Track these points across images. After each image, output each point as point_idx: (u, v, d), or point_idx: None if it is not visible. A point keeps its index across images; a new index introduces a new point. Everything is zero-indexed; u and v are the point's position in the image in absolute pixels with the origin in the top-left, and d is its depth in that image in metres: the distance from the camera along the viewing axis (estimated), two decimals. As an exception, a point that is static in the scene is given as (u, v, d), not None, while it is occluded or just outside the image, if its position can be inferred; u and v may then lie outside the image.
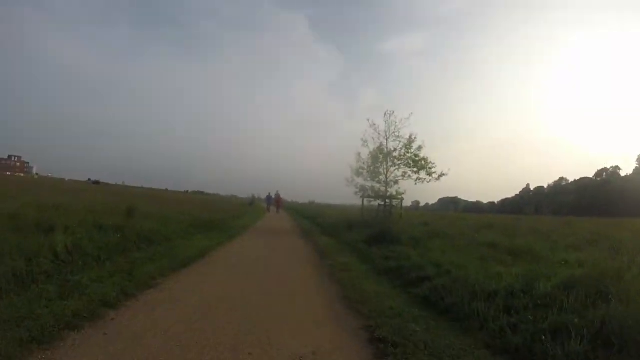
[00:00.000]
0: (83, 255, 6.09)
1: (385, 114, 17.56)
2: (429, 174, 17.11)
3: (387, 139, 17.48)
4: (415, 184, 17.18)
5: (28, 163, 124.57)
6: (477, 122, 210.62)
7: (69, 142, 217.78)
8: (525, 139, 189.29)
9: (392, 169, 17.42)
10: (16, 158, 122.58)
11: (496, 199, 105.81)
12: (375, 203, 18.23)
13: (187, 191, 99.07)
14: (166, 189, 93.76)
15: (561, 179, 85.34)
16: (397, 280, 6.68)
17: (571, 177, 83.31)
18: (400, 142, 17.33)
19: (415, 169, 17.12)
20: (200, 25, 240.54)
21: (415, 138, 17.20)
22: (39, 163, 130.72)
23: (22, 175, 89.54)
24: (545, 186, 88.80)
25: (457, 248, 8.75)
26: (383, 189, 17.56)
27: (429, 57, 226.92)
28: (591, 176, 77.17)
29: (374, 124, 17.80)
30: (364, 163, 18.12)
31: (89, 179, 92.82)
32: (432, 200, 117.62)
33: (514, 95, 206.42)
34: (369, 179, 18.08)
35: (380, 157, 17.60)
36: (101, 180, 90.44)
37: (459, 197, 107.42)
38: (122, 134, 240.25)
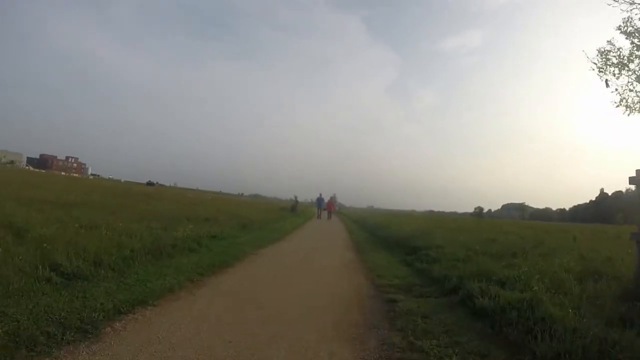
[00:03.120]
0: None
1: None
2: None
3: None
4: None
5: (85, 164, 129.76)
6: (541, 123, 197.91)
7: (125, 145, 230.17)
8: (596, 142, 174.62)
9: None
10: (73, 159, 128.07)
11: (566, 205, 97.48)
12: None
13: (242, 194, 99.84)
14: (220, 192, 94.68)
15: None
16: None
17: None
18: None
19: None
20: (255, 31, 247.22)
21: None
22: (97, 165, 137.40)
23: (76, 175, 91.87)
24: (624, 190, 79.27)
25: None
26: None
27: (487, 54, 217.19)
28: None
29: None
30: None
31: (149, 181, 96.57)
32: (495, 206, 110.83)
33: (583, 93, 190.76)
34: None
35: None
36: (155, 182, 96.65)
37: (526, 203, 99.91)
38: (176, 137, 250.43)
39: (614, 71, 7.99)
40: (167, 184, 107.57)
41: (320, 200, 32.70)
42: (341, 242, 14.50)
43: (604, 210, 72.72)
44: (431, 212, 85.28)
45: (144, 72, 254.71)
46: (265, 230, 15.25)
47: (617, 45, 7.85)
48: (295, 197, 34.67)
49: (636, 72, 7.91)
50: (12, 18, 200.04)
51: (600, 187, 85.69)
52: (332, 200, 34.69)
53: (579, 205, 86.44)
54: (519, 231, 15.99)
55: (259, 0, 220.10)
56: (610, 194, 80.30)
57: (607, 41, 7.92)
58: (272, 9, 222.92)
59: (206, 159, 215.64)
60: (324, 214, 32.35)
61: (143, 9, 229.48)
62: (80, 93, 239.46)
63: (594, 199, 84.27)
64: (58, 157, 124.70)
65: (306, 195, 55.77)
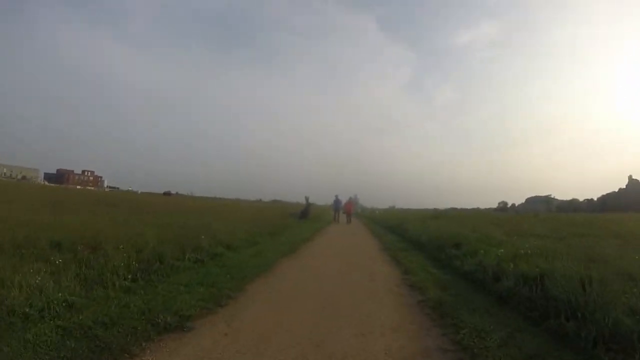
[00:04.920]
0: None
1: None
2: None
3: None
4: None
5: (101, 177, 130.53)
6: (563, 114, 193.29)
7: (137, 156, 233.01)
8: (619, 130, 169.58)
9: None
10: (89, 172, 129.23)
11: (594, 195, 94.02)
12: None
13: (260, 200, 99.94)
14: (237, 199, 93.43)
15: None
16: None
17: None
18: None
19: None
20: (272, 38, 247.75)
21: None
22: (113, 177, 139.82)
23: (92, 188, 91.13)
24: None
25: None
26: None
27: (506, 47, 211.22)
28: None
29: None
30: None
31: (167, 191, 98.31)
32: (519, 200, 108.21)
33: (601, 84, 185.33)
34: None
35: None
36: (175, 192, 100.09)
37: (552, 195, 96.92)
38: (196, 147, 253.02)
39: None
40: (186, 193, 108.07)
41: (337, 202, 29.15)
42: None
43: (636, 197, 69.77)
44: (453, 209, 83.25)
45: (161, 84, 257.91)
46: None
47: None
48: (307, 199, 28.51)
49: None
50: (26, 32, 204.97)
51: (628, 175, 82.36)
52: (351, 201, 30.28)
53: (607, 194, 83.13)
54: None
55: (274, 8, 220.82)
56: (641, 181, 76.97)
57: None
58: (288, 15, 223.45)
59: (226, 167, 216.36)
60: (343, 217, 29.14)
61: (159, 23, 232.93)
62: (98, 107, 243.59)
63: (623, 187, 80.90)
64: (75, 172, 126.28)
65: (326, 199, 52.93)
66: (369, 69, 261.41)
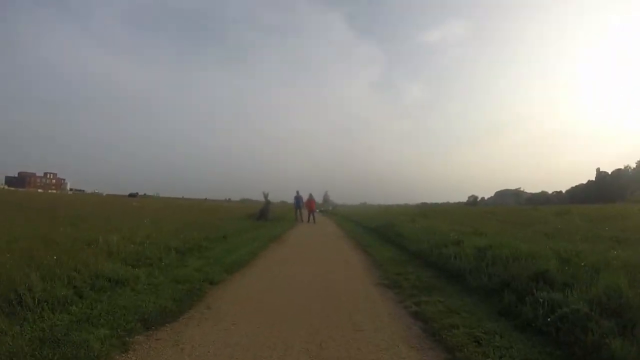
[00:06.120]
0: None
1: None
2: None
3: None
4: None
5: (64, 179, 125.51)
6: (531, 109, 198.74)
7: (103, 157, 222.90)
8: (587, 123, 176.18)
9: None
10: (51, 175, 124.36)
11: (562, 188, 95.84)
12: None
13: (229, 199, 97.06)
14: (205, 199, 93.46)
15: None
16: None
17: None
18: None
19: None
20: (242, 36, 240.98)
21: None
22: (78, 179, 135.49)
23: (55, 191, 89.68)
24: (633, 166, 76.93)
25: None
26: None
27: (473, 45, 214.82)
28: None
29: None
30: None
31: (132, 193, 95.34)
32: (488, 193, 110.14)
33: (567, 80, 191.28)
34: None
35: None
36: (139, 193, 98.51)
37: (521, 188, 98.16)
38: (155, 146, 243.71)
39: None
40: (153, 194, 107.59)
41: (298, 199, 25.80)
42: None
43: (604, 189, 70.94)
44: (424, 204, 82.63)
45: (128, 83, 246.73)
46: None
47: None
48: (266, 197, 24.01)
49: None
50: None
51: (596, 167, 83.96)
52: (313, 198, 26.39)
53: (576, 186, 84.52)
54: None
55: (243, 5, 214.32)
56: (610, 173, 78.46)
57: None
58: (257, 13, 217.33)
59: (195, 167, 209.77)
60: (310, 217, 25.34)
61: (126, 20, 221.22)
62: (63, 107, 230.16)
63: (591, 179, 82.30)
64: (37, 174, 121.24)
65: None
66: (338, 67, 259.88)
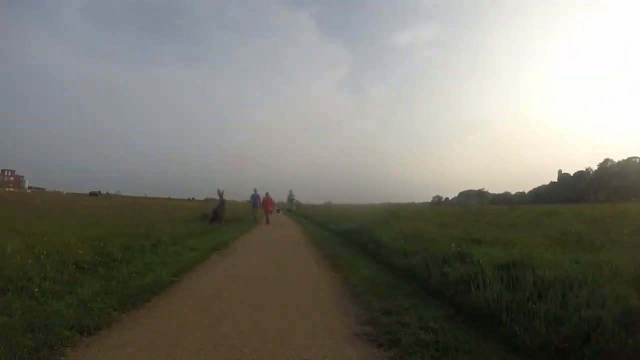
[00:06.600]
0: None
1: None
2: None
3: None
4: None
5: (22, 177, 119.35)
6: (494, 111, 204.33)
7: (66, 154, 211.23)
8: (549, 125, 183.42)
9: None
10: (9, 172, 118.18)
11: (525, 188, 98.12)
12: None
13: (192, 198, 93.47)
14: (169, 197, 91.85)
15: (606, 160, 75.39)
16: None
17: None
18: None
19: None
20: (206, 32, 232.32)
21: None
22: (39, 177, 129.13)
23: (13, 189, 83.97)
24: (593, 169, 79.11)
25: None
26: None
27: (440, 48, 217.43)
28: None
29: None
30: None
31: (93, 191, 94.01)
32: (452, 194, 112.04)
33: (529, 84, 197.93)
34: None
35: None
36: (100, 192, 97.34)
37: (485, 189, 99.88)
38: (121, 144, 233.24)
39: None
40: (113, 192, 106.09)
41: (255, 198, 23.65)
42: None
43: (567, 190, 72.67)
44: (389, 204, 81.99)
45: (90, 77, 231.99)
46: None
47: None
48: (220, 194, 20.72)
49: None
50: None
51: (557, 169, 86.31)
52: (270, 197, 24.88)
53: (539, 187, 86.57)
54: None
55: (209, 1, 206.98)
56: (572, 175, 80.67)
57: None
58: (222, 9, 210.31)
59: (158, 165, 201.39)
60: (269, 217, 24.36)
61: (86, 12, 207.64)
62: (21, 101, 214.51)
63: (554, 180, 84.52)
64: None
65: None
66: (306, 67, 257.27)
